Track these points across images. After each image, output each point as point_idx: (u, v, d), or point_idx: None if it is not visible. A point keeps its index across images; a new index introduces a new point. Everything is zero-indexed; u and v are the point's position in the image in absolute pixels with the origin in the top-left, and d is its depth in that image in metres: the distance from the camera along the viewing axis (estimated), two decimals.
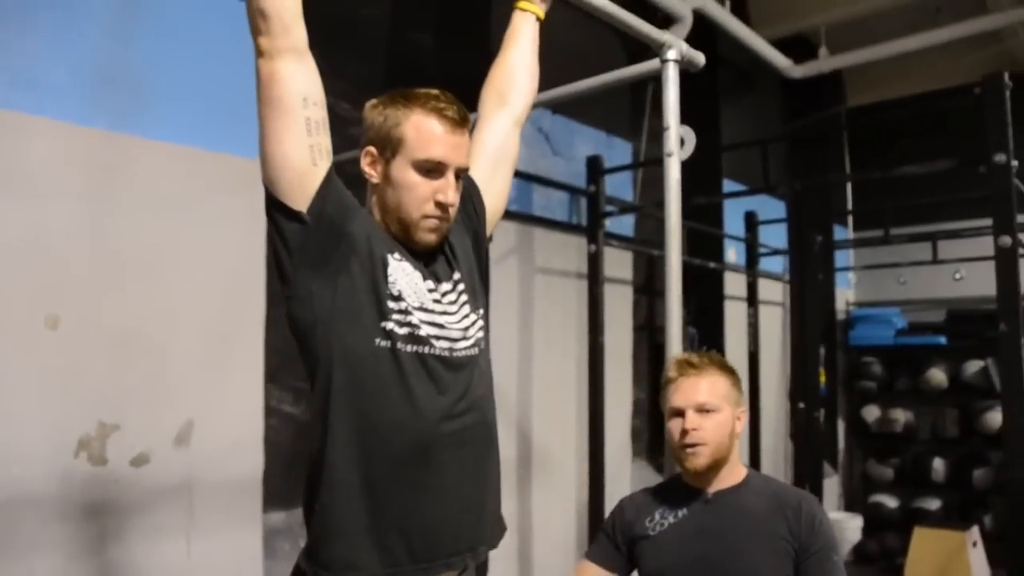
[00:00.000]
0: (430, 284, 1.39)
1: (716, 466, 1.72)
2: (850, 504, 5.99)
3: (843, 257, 6.25)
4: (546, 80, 1.80)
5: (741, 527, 1.68)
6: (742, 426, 1.78)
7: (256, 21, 1.25)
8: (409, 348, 1.32)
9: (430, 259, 1.43)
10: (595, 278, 3.61)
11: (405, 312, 1.33)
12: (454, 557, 1.35)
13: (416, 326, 1.33)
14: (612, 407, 3.69)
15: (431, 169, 1.36)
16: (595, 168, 3.69)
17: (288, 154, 1.26)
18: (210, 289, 2.28)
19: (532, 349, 3.41)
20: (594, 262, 3.62)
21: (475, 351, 1.43)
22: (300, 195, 1.28)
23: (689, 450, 1.70)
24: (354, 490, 1.29)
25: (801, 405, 4.85)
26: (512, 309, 3.35)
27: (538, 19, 1.71)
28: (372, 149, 1.40)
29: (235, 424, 2.32)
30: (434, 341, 1.35)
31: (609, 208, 3.75)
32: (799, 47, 5.23)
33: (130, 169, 2.14)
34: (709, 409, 1.71)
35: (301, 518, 2.70)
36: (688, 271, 4.60)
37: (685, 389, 1.73)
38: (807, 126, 5.67)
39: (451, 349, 1.37)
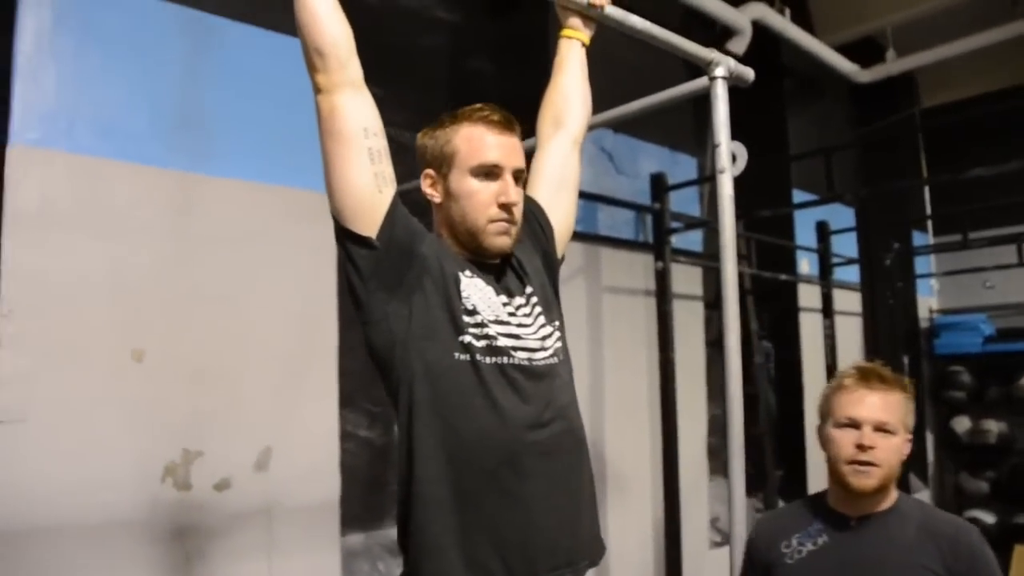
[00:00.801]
0: (503, 299, 1.41)
1: (878, 491, 1.59)
2: None
3: (924, 263, 6.04)
4: (605, 99, 1.80)
5: (886, 558, 1.55)
6: (906, 454, 1.64)
7: (313, 59, 1.31)
8: (489, 360, 1.33)
9: (500, 275, 1.45)
10: (663, 295, 3.59)
11: (481, 325, 1.35)
12: (552, 572, 1.33)
13: (494, 337, 1.35)
14: (686, 424, 3.64)
15: (487, 173, 1.39)
16: (659, 185, 3.68)
17: (354, 183, 1.31)
18: (284, 318, 2.36)
19: (603, 368, 3.40)
20: (661, 279, 3.60)
21: (555, 360, 1.43)
22: (368, 222, 1.32)
23: (860, 467, 1.57)
24: (444, 505, 1.29)
25: None
26: (581, 328, 3.35)
27: (583, 45, 1.72)
28: (429, 171, 1.44)
29: (312, 449, 2.39)
30: (513, 352, 1.36)
31: (675, 224, 3.73)
32: (867, 51, 5.11)
33: (204, 206, 2.24)
34: (888, 430, 1.58)
35: (379, 539, 2.75)
36: (760, 284, 4.55)
37: (869, 402, 1.59)
38: (878, 130, 5.51)
39: (530, 359, 1.38)
